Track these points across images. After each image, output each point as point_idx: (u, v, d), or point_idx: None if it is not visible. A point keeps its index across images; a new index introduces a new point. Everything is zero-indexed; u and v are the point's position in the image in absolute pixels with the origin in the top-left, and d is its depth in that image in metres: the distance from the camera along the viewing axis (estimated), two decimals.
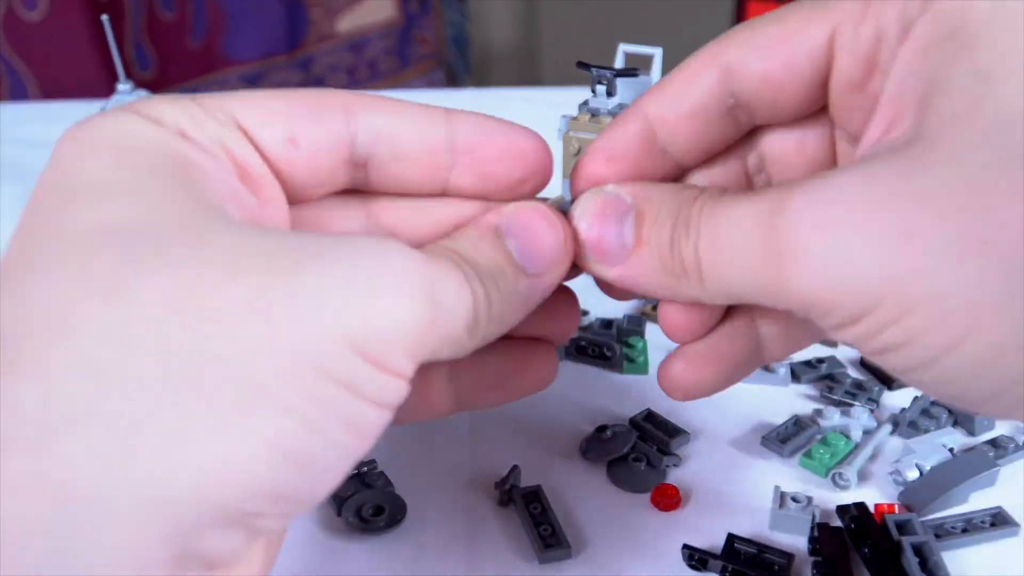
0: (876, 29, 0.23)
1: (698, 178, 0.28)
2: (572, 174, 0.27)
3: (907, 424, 0.39)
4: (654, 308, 0.49)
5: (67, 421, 0.17)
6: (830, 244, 0.20)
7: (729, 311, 0.27)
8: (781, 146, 0.27)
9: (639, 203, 0.25)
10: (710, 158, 0.27)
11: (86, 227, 0.20)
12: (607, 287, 0.28)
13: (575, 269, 0.26)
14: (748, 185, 0.28)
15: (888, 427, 0.39)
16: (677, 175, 0.28)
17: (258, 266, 0.19)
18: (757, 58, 0.24)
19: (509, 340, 0.28)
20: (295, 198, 0.25)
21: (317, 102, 0.24)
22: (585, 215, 0.25)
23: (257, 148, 0.24)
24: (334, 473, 0.21)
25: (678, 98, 0.26)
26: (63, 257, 0.19)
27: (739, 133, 0.27)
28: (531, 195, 0.27)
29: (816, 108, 0.26)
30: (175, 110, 0.23)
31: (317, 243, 0.20)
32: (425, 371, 0.28)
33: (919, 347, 0.20)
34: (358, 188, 0.26)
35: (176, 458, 0.18)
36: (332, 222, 0.27)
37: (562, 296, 0.28)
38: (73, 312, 0.18)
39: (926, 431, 0.39)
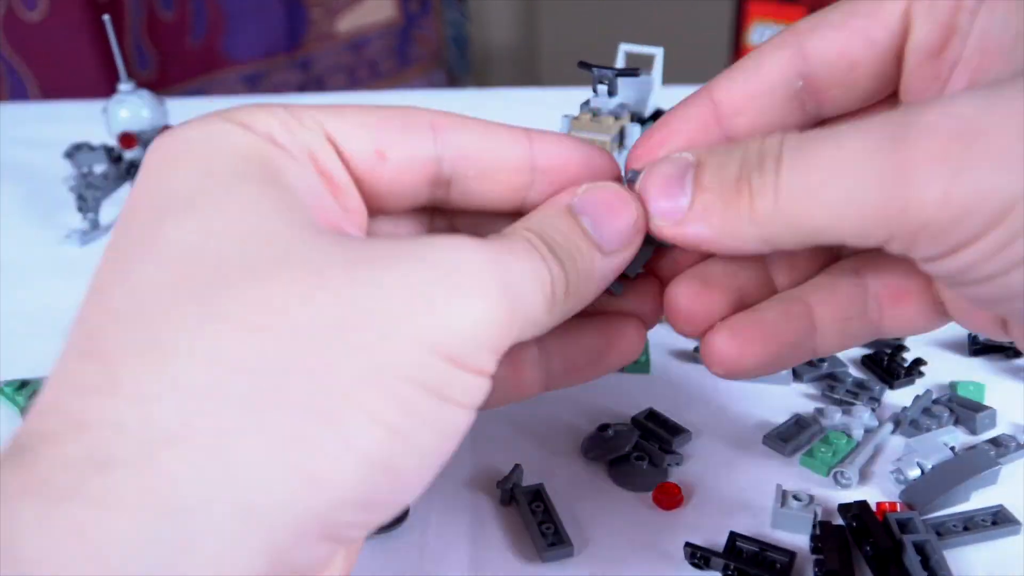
0: None
1: None
2: (631, 151, 0.27)
3: (908, 423, 0.40)
4: None
5: (166, 439, 0.18)
6: (964, 156, 0.20)
7: (777, 296, 0.27)
8: None
9: (700, 156, 0.24)
10: None
11: (175, 244, 0.20)
12: (675, 316, 0.27)
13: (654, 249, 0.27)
14: None
15: (889, 426, 0.39)
16: None
17: (338, 278, 0.20)
18: (832, 35, 0.25)
19: (594, 315, 0.28)
20: (376, 210, 0.26)
21: (405, 118, 0.25)
22: (648, 176, 0.25)
23: (343, 158, 0.24)
24: (422, 478, 0.21)
25: (746, 78, 0.26)
26: (154, 277, 0.20)
27: (804, 122, 0.27)
28: None
29: (886, 91, 0.26)
30: (266, 115, 0.23)
31: (393, 249, 0.21)
32: (514, 355, 0.28)
33: None
34: (437, 205, 0.27)
35: (271, 472, 0.18)
36: (412, 234, 0.28)
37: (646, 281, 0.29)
38: (166, 332, 0.19)
39: (927, 430, 0.39)
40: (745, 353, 0.26)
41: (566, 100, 0.51)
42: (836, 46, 0.25)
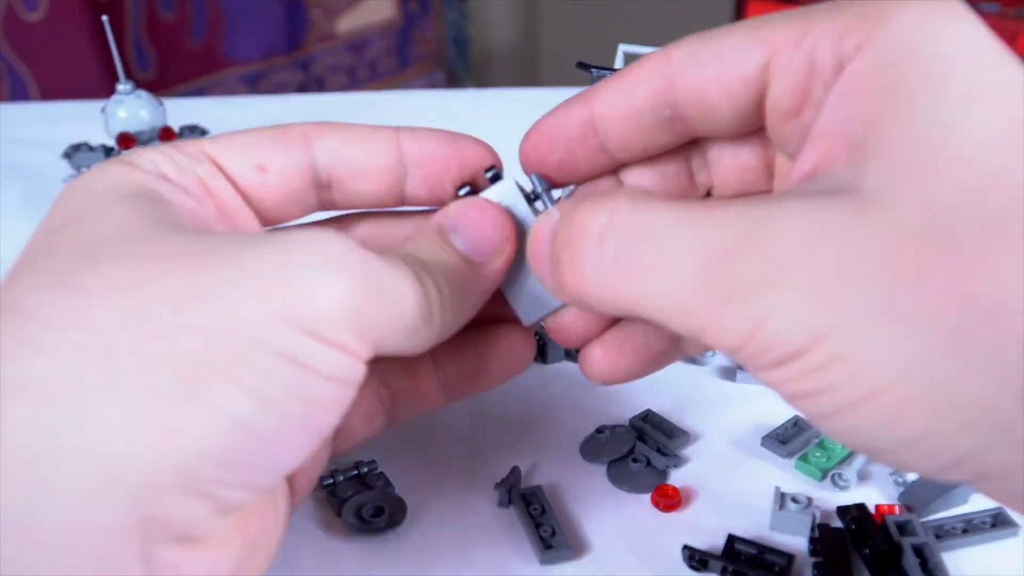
0: (809, 62, 0.22)
1: (637, 174, 0.29)
2: (522, 145, 0.28)
3: None
4: None
5: (14, 388, 0.19)
6: (768, 301, 0.20)
7: None
8: (719, 155, 0.28)
9: (560, 218, 0.25)
10: (651, 156, 0.28)
11: (54, 240, 0.22)
12: (555, 335, 0.30)
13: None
14: (690, 182, 0.29)
15: None
16: (616, 167, 0.28)
17: (197, 255, 0.21)
18: (695, 75, 0.25)
19: (483, 326, 0.31)
20: (270, 222, 0.28)
21: (279, 133, 0.27)
22: (530, 235, 0.26)
23: (229, 178, 0.27)
24: (295, 446, 0.22)
25: (619, 98, 0.26)
26: (31, 262, 0.22)
27: (677, 141, 0.27)
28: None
29: (752, 129, 0.26)
30: (152, 153, 0.26)
31: (256, 237, 0.22)
32: (410, 367, 0.31)
33: (832, 398, 0.20)
34: (327, 208, 0.29)
35: (127, 425, 0.19)
36: None
37: None
38: (28, 299, 0.20)
39: None
40: (619, 365, 0.29)
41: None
42: (696, 88, 0.25)
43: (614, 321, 0.29)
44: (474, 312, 0.27)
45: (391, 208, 0.30)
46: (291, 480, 0.27)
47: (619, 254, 0.22)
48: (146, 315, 0.20)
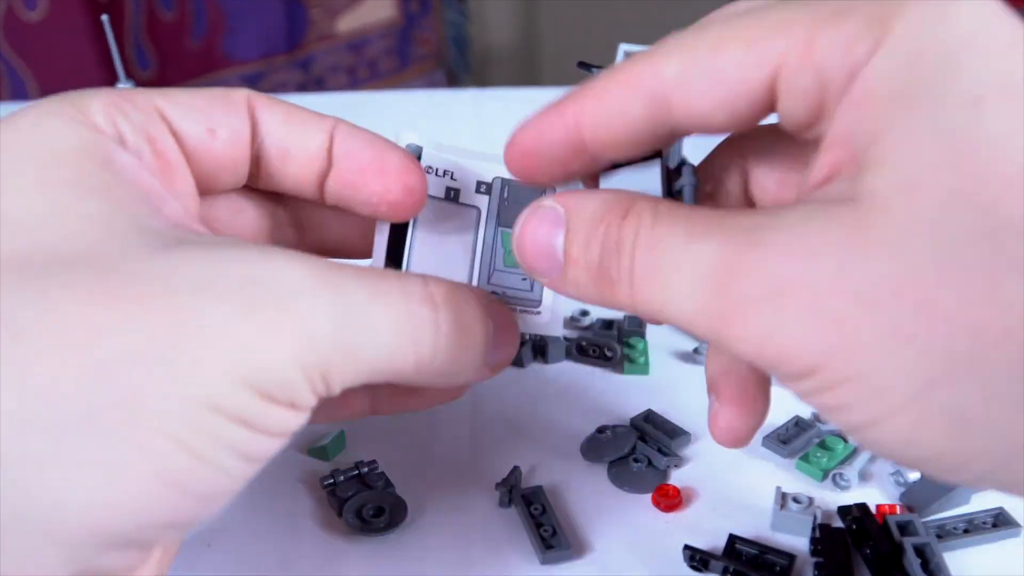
0: (820, 79, 0.21)
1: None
2: (506, 149, 0.27)
3: None
4: None
5: None
6: (773, 317, 0.20)
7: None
8: (753, 165, 0.27)
9: (569, 219, 0.24)
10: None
11: (1, 257, 0.20)
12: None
13: None
14: (737, 189, 0.28)
15: None
16: (604, 167, 0.27)
17: (157, 303, 0.20)
18: (694, 97, 0.22)
19: None
20: (205, 191, 0.27)
21: (227, 98, 0.26)
22: (521, 238, 0.25)
23: (178, 138, 0.25)
24: (225, 496, 0.22)
25: (609, 117, 0.24)
26: None
27: (671, 141, 0.26)
28: (402, 218, 0.27)
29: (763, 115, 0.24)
30: (107, 108, 0.24)
31: (226, 266, 0.21)
32: None
33: (850, 415, 0.20)
34: (252, 184, 0.28)
35: (71, 497, 0.19)
36: (244, 211, 0.29)
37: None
38: None
39: None
40: (749, 420, 0.28)
41: None
42: (700, 107, 0.22)
43: None
44: (465, 382, 0.26)
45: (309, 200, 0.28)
46: None
47: (644, 269, 0.22)
48: (102, 378, 0.19)
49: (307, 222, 0.30)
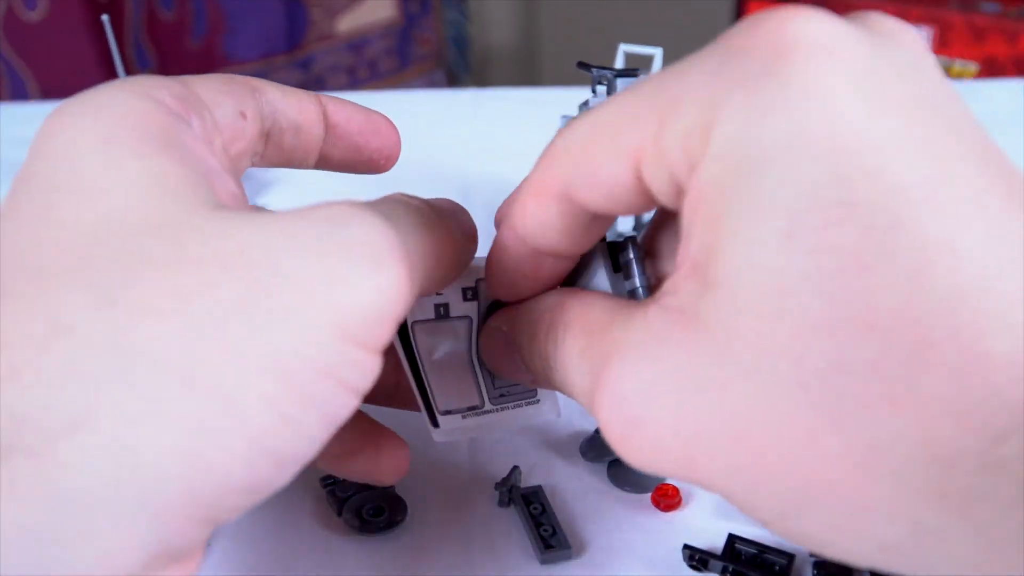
0: (669, 168, 0.20)
1: None
2: (499, 212, 0.27)
3: None
4: None
5: (68, 426, 0.18)
6: (636, 443, 0.21)
7: None
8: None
9: (516, 337, 0.27)
10: None
11: (71, 227, 0.20)
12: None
13: None
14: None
15: None
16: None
17: (238, 262, 0.19)
18: (590, 196, 0.22)
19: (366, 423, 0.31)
20: (235, 170, 0.27)
21: (241, 82, 0.27)
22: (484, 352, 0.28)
23: (218, 125, 0.25)
24: (299, 464, 0.21)
25: (542, 226, 0.24)
26: (55, 260, 0.19)
27: (605, 227, 0.26)
28: (385, 169, 0.31)
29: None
30: (163, 83, 0.24)
31: (292, 226, 0.21)
32: None
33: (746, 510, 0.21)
34: (255, 164, 0.29)
35: (167, 461, 0.18)
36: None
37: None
38: (66, 318, 0.18)
39: None
40: None
41: (565, 100, 0.51)
42: (600, 204, 0.22)
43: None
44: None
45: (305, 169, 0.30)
46: None
47: (561, 369, 0.24)
48: (196, 336, 0.19)
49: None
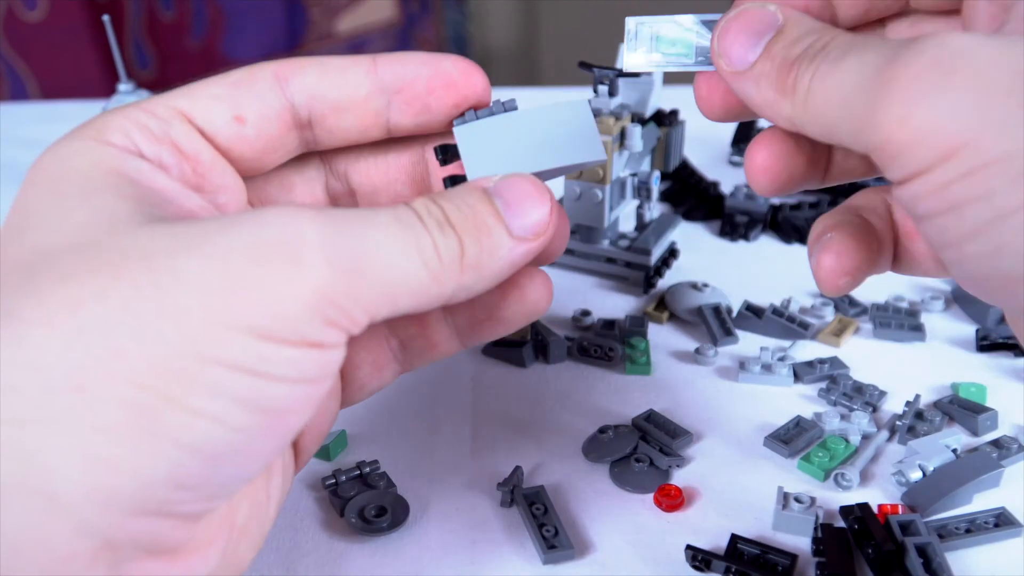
0: None
1: None
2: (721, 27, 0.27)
3: (906, 430, 0.39)
4: (656, 308, 0.49)
5: None
6: (937, 83, 0.20)
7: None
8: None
9: (785, 22, 0.25)
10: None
11: (15, 258, 0.21)
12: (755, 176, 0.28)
13: None
14: None
15: (885, 433, 0.39)
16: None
17: (137, 270, 0.20)
18: None
19: None
20: (254, 172, 0.27)
21: (251, 77, 0.26)
22: (735, 17, 0.25)
23: (205, 136, 0.25)
24: (256, 456, 0.21)
25: None
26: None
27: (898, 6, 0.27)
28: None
29: None
30: (122, 122, 0.24)
31: (214, 230, 0.21)
32: (418, 315, 0.29)
33: (989, 204, 0.19)
34: (311, 148, 0.28)
35: (71, 462, 0.19)
36: (295, 187, 0.28)
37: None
38: None
39: (925, 435, 0.39)
40: (847, 266, 0.27)
41: None
42: None
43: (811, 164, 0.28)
44: (502, 278, 0.25)
45: (376, 140, 0.28)
46: (295, 442, 0.26)
47: (830, 65, 0.23)
48: (83, 343, 0.19)
49: (359, 185, 0.30)
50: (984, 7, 0.24)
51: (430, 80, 0.27)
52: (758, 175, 0.27)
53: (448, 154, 0.27)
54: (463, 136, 0.27)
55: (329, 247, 0.21)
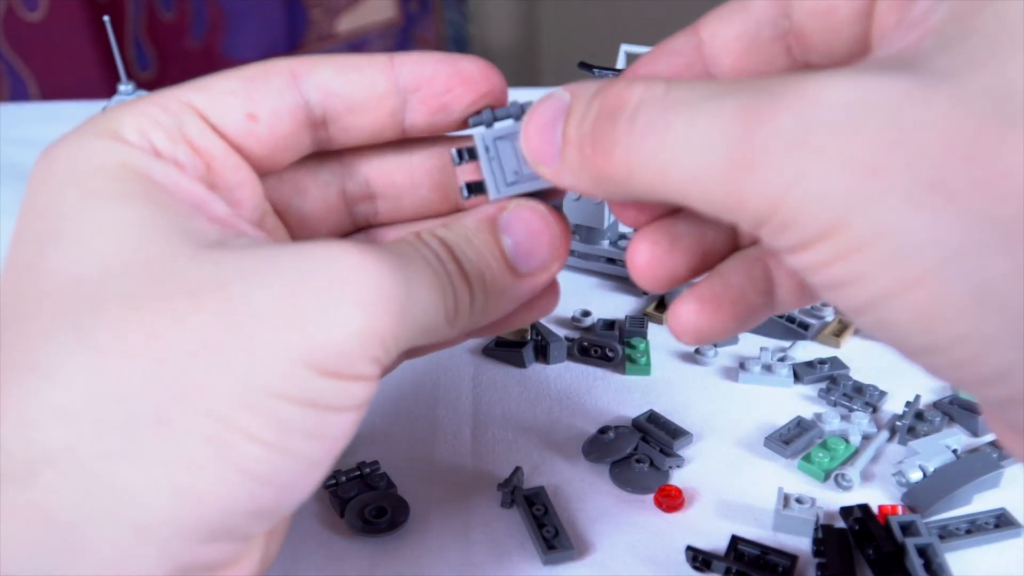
0: None
1: None
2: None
3: (905, 431, 0.39)
4: (657, 308, 0.49)
5: (48, 459, 0.19)
6: (801, 164, 0.18)
7: (735, 250, 0.26)
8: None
9: (573, 99, 0.23)
10: None
11: (56, 275, 0.21)
12: (639, 275, 0.26)
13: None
14: None
15: (886, 434, 0.39)
16: None
17: (210, 299, 0.20)
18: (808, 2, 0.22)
19: None
20: (266, 170, 0.26)
21: (266, 73, 0.25)
22: (528, 118, 0.24)
23: (218, 132, 0.25)
24: (315, 478, 0.22)
25: (732, 17, 0.25)
26: (39, 306, 0.21)
27: (791, 66, 0.25)
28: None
29: (864, 44, 0.23)
30: (136, 119, 0.24)
31: (269, 260, 0.21)
32: None
33: (865, 287, 0.18)
34: (324, 148, 0.27)
35: (154, 492, 0.20)
36: (308, 188, 0.28)
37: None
38: (45, 360, 0.20)
39: (925, 435, 0.39)
40: (714, 322, 0.25)
41: None
42: (816, 5, 0.23)
43: (699, 263, 0.26)
44: (506, 313, 0.26)
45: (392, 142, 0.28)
46: None
47: (649, 125, 0.20)
48: (164, 375, 0.20)
49: (381, 188, 0.29)
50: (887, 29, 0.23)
51: (449, 78, 0.26)
52: (640, 273, 0.25)
53: (465, 156, 0.27)
54: (482, 139, 0.27)
55: (383, 291, 0.21)
